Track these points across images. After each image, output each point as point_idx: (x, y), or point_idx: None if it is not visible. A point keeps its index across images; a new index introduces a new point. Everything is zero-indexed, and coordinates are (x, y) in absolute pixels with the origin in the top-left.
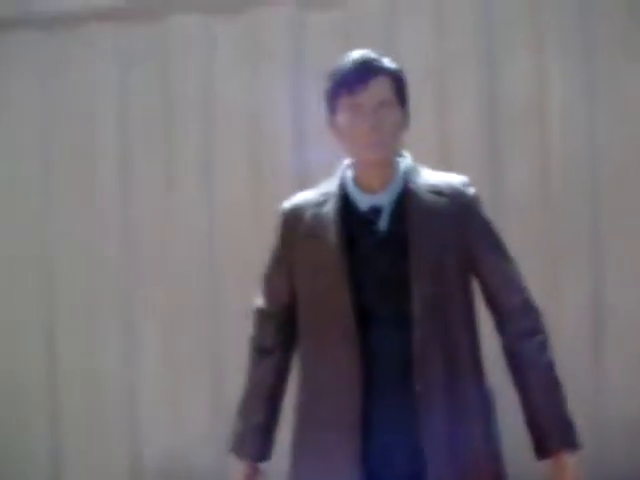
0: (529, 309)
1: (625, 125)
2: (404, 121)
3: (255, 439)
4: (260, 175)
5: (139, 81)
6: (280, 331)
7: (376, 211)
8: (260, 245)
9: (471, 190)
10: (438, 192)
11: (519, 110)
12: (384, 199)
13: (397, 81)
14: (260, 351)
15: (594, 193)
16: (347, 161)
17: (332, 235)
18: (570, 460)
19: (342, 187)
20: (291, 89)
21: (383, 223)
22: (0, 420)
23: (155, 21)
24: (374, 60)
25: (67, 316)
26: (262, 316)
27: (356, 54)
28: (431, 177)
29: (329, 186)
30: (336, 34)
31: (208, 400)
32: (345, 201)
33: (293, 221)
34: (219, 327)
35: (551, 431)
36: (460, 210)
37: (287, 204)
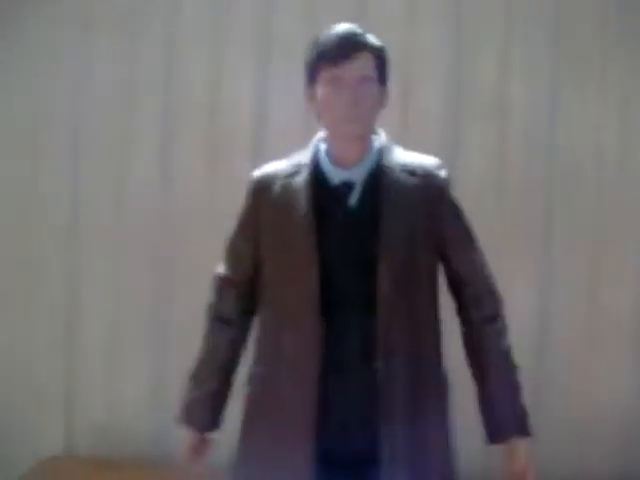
0: (492, 295)
1: (585, 119)
2: (383, 99)
3: (205, 408)
4: (217, 151)
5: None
6: (240, 301)
7: (348, 186)
8: (216, 219)
9: (443, 173)
10: (411, 172)
11: (481, 102)
12: (357, 174)
13: (380, 58)
14: (218, 319)
15: (549, 187)
16: (321, 134)
17: (301, 207)
18: (522, 446)
19: (315, 159)
20: (255, 63)
21: (354, 198)
22: None
23: None
24: (359, 35)
25: (5, 288)
26: (223, 284)
27: (341, 27)
28: (404, 157)
29: (301, 158)
30: (304, 14)
31: (146, 374)
32: (317, 174)
33: (262, 190)
34: (163, 293)
35: (505, 416)
36: (432, 192)
37: (257, 173)
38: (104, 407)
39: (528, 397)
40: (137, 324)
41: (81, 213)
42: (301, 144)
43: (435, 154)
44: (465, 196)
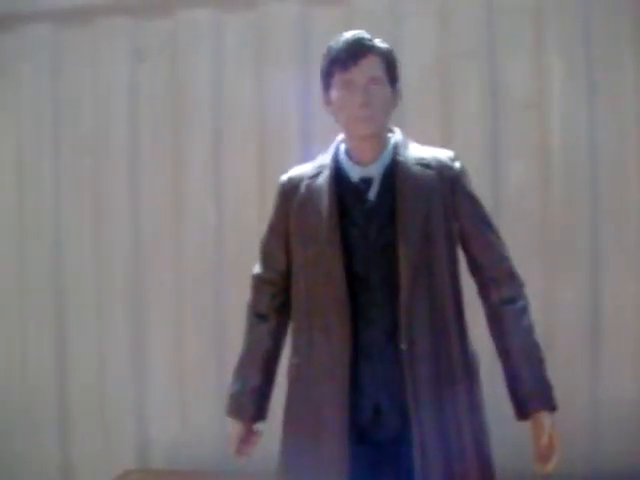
0: (512, 277)
1: (625, 121)
2: (394, 98)
3: (250, 401)
4: (266, 169)
5: (150, 76)
6: (276, 297)
7: (366, 182)
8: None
9: (457, 164)
10: (426, 165)
11: (519, 106)
12: (374, 171)
13: (387, 60)
14: (256, 316)
15: (594, 190)
16: (341, 136)
17: (325, 204)
18: (548, 420)
19: (335, 160)
20: (297, 83)
21: (373, 193)
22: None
23: (166, 15)
24: (366, 39)
25: (76, 307)
26: (259, 282)
27: (349, 34)
28: (419, 151)
29: (324, 159)
30: (341, 29)
31: (214, 390)
32: (338, 173)
33: (289, 192)
34: (224, 317)
35: (531, 393)
36: (446, 182)
37: (285, 176)
38: (175, 422)
39: None
40: (202, 340)
41: (143, 230)
42: None
43: (476, 156)
44: (508, 198)
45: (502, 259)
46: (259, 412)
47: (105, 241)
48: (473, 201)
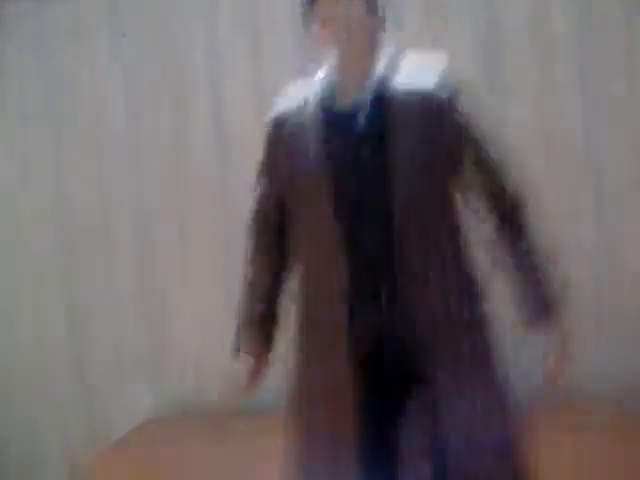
0: (516, 194)
1: (631, 56)
2: (378, 27)
3: (255, 334)
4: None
5: (144, 47)
6: (274, 231)
7: (354, 112)
8: None
9: (451, 84)
10: (416, 91)
11: (520, 41)
12: (361, 100)
13: None
14: (255, 250)
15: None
16: (325, 67)
17: (312, 138)
18: (556, 336)
19: (321, 91)
20: (294, 47)
21: (360, 123)
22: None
23: None
24: None
25: (86, 262)
26: (256, 217)
27: None
28: (410, 74)
29: (309, 93)
30: None
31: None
32: (324, 104)
33: (277, 130)
34: (234, 265)
35: (536, 307)
36: (440, 106)
37: (272, 114)
38: (191, 370)
39: None
40: (215, 288)
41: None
42: None
43: None
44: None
45: (505, 178)
46: (267, 344)
47: (109, 215)
48: (469, 122)
